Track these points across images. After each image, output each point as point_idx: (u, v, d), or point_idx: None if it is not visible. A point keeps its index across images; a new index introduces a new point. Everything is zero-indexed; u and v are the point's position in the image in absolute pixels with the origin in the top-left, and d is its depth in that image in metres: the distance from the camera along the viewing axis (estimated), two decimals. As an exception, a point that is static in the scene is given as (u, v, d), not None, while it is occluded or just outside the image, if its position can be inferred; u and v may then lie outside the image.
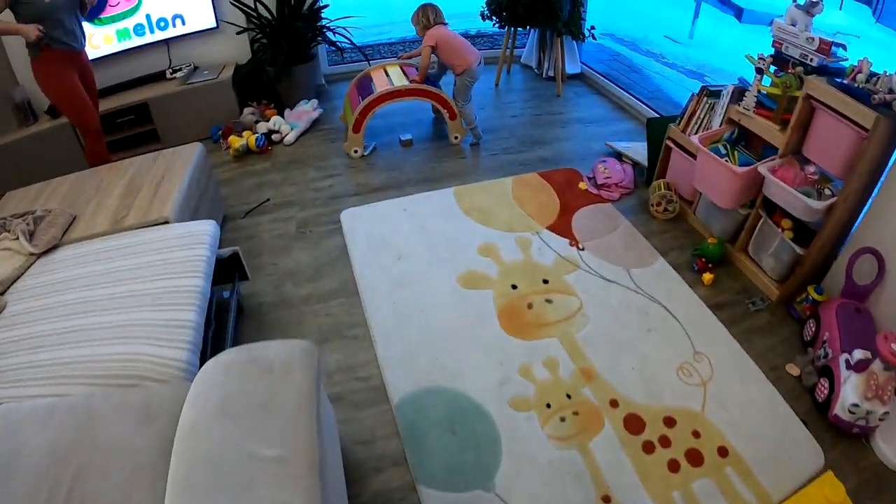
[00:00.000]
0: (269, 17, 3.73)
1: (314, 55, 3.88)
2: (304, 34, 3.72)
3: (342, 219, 2.80)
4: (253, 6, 3.70)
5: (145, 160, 2.58)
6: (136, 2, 3.52)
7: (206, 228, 2.09)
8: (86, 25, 2.88)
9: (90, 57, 2.91)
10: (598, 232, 2.74)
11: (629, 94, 3.94)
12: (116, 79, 3.69)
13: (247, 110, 3.69)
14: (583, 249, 2.62)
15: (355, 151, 3.31)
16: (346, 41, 3.89)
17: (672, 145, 2.83)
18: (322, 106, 4.01)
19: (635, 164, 3.19)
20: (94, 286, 1.82)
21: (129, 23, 3.55)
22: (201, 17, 3.66)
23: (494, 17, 3.95)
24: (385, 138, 3.54)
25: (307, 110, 3.70)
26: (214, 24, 3.70)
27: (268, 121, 3.61)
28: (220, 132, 3.63)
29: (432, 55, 3.21)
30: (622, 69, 4.59)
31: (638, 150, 3.29)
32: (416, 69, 3.31)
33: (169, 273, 1.85)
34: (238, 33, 3.67)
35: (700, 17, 5.84)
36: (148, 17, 3.58)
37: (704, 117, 2.69)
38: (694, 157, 2.60)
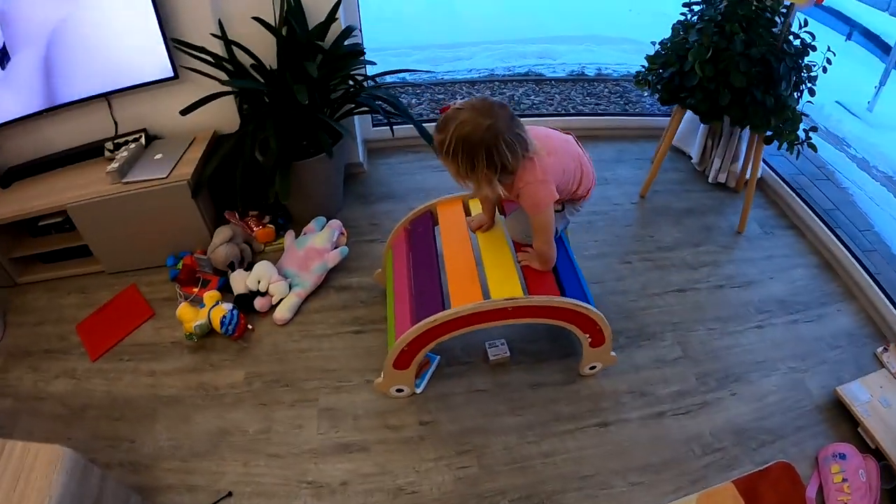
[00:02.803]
0: (261, 66, 2.06)
1: (341, 134, 2.25)
2: (314, 111, 2.04)
3: None
4: (226, 50, 2.04)
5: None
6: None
7: None
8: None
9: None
10: None
11: (835, 235, 2.24)
12: (36, 152, 2.16)
13: (220, 235, 2.12)
14: None
15: (398, 391, 1.74)
16: (391, 109, 2.20)
17: None
18: (356, 209, 2.42)
19: (881, 458, 1.59)
20: None
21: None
22: (146, 60, 2.02)
23: (662, 92, 2.19)
24: (457, 343, 1.78)
25: (320, 248, 2.07)
26: (171, 73, 2.08)
27: (247, 267, 2.04)
28: (179, 269, 2.11)
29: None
30: (811, 171, 2.79)
31: (880, 409, 1.67)
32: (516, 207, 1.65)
33: None
34: (183, 112, 1.92)
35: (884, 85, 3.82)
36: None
37: None
38: None
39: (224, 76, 2.01)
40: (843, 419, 1.71)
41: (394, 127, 2.40)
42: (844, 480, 1.54)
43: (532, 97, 3.16)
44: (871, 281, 2.09)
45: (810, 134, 2.07)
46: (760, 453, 1.62)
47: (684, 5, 2.08)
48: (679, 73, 2.05)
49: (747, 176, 2.49)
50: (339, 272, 2.13)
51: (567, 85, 3.32)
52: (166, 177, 1.99)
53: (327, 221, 2.20)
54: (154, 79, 2.05)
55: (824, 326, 2.00)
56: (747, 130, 2.38)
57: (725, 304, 2.06)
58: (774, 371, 1.84)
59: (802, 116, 2.06)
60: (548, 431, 1.66)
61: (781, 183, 2.53)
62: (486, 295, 1.49)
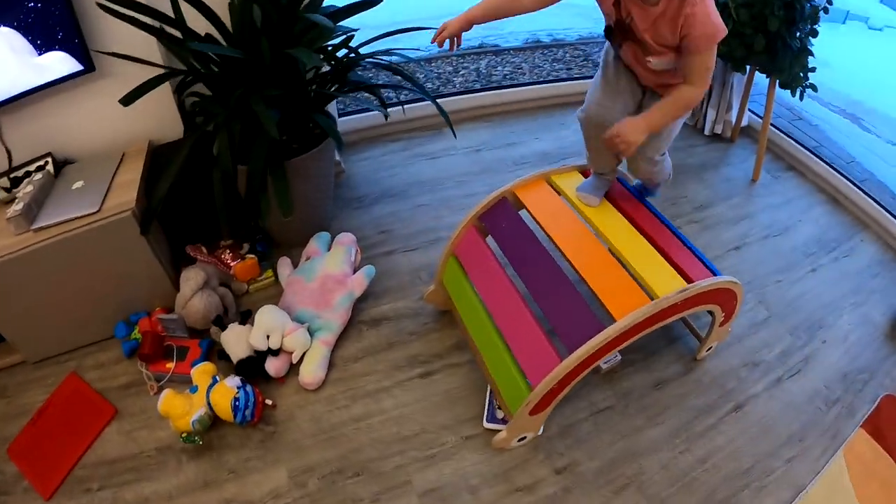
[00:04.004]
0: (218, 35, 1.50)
1: (330, 120, 1.71)
2: (303, 89, 1.55)
3: None
4: (173, 14, 1.44)
5: None
6: None
7: None
8: None
9: None
10: None
11: (835, 170, 2.30)
12: None
13: (190, 281, 1.50)
14: None
15: (521, 440, 1.34)
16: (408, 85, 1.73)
17: None
18: (352, 218, 1.94)
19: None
20: None
21: None
22: (41, 49, 1.33)
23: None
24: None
25: (338, 274, 1.57)
26: (82, 65, 1.41)
27: (242, 319, 1.48)
28: (137, 340, 1.47)
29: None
30: (784, 114, 2.90)
31: None
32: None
33: None
34: (125, 101, 1.29)
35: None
36: None
37: None
38: None
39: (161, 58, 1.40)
40: (911, 338, 1.79)
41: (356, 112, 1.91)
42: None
43: (500, 68, 2.87)
44: (878, 207, 2.18)
45: (809, 75, 2.05)
46: (866, 392, 1.62)
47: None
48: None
49: (743, 123, 2.48)
50: (363, 302, 1.67)
51: (527, 53, 3.07)
52: (98, 210, 1.35)
53: (332, 238, 1.67)
54: (57, 77, 1.37)
55: (859, 258, 2.07)
56: (739, 80, 2.32)
57: (778, 254, 2.02)
58: (843, 310, 1.85)
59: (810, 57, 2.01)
60: (693, 433, 1.44)
61: (771, 128, 2.50)
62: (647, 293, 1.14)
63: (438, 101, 2.39)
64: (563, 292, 1.23)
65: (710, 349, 1.58)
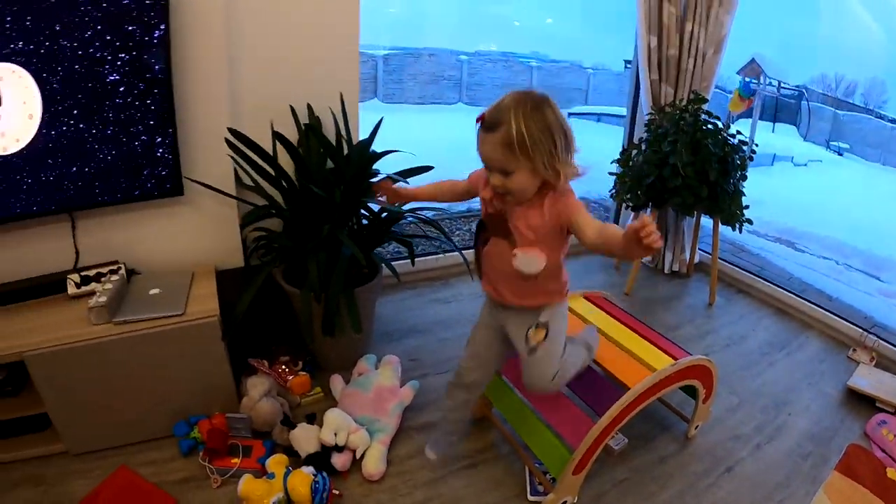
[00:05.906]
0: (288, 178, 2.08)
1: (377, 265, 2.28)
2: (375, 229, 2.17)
3: None
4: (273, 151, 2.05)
5: None
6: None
7: None
8: None
9: None
10: None
11: (776, 286, 3.03)
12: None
13: (259, 387, 1.86)
14: None
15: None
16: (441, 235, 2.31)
17: None
18: (385, 348, 2.37)
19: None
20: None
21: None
22: (140, 166, 1.85)
23: (642, 198, 2.79)
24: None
25: (391, 386, 2.00)
26: (175, 189, 1.94)
27: (297, 413, 1.85)
28: (196, 439, 1.78)
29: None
30: (726, 248, 3.77)
31: (882, 385, 2.34)
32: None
33: None
34: (246, 224, 1.94)
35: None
36: None
37: None
38: None
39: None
40: (860, 403, 2.32)
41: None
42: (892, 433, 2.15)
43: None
44: (818, 310, 2.90)
45: (744, 211, 2.88)
46: (833, 445, 2.09)
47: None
48: (659, 178, 2.66)
49: (696, 260, 3.22)
50: (408, 413, 2.08)
51: (465, 220, 3.81)
52: (183, 313, 1.76)
53: (378, 359, 2.13)
54: (148, 194, 1.86)
55: (807, 351, 2.71)
56: (689, 225, 3.03)
57: (740, 357, 2.61)
58: (801, 390, 2.40)
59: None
60: (698, 490, 1.84)
61: (720, 261, 3.27)
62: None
63: (444, 255, 2.97)
64: (586, 375, 1.73)
65: (697, 427, 2.05)
